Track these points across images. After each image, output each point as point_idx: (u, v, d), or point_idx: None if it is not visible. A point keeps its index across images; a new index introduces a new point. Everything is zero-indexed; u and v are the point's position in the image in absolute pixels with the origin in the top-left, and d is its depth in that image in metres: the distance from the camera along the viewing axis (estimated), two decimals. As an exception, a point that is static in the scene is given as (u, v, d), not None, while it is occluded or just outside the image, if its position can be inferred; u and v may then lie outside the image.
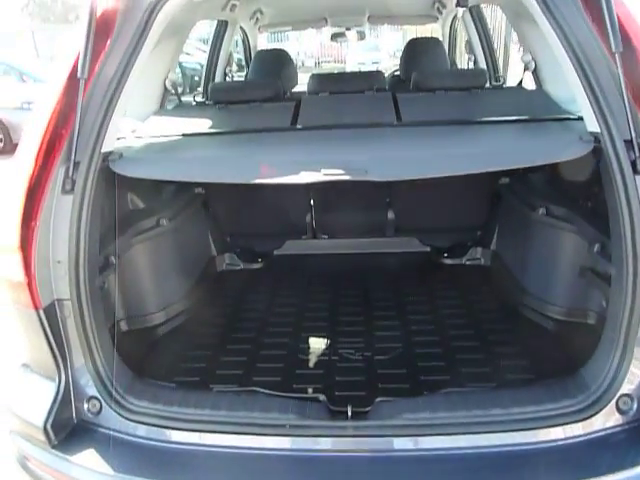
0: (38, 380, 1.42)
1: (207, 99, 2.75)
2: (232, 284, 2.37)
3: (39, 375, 1.42)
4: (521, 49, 2.51)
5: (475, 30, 3.16)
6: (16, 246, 1.26)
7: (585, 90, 1.28)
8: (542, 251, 1.87)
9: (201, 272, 2.24)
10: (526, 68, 2.12)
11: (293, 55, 3.94)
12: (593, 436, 1.24)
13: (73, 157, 1.32)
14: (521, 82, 2.44)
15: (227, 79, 3.37)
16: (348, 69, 19.42)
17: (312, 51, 25.20)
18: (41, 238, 1.30)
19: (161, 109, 2.22)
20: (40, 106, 1.35)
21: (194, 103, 2.65)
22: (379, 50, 19.82)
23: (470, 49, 3.27)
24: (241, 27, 3.49)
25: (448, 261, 2.45)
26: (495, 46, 4.03)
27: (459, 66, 4.12)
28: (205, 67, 3.22)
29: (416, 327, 1.86)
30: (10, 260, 1.28)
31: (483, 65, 3.18)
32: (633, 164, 1.22)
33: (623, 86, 1.23)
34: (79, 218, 1.31)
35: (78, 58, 1.32)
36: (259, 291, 2.28)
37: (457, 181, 1.94)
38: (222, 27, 3.11)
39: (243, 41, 3.80)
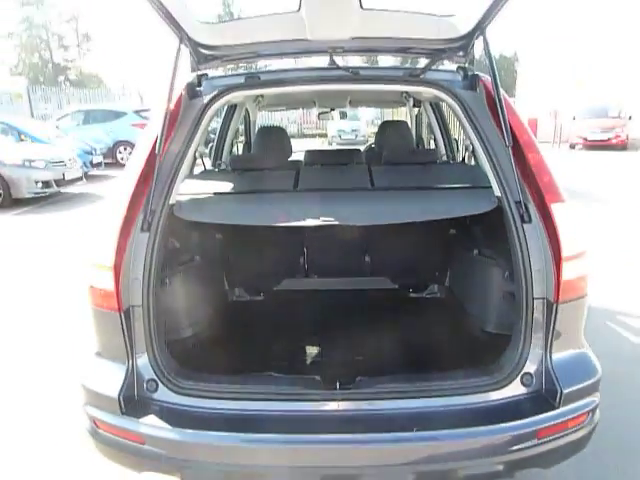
0: (111, 365, 1.84)
1: (227, 167, 3.42)
2: (241, 311, 2.93)
3: (112, 361, 1.85)
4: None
5: (434, 116, 3.97)
6: (111, 266, 1.77)
7: (492, 168, 1.90)
8: (478, 282, 2.49)
9: (217, 301, 2.80)
10: (466, 149, 2.84)
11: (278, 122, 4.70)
12: (505, 400, 1.77)
13: (150, 206, 1.85)
14: (464, 159, 3.18)
15: (233, 149, 4.09)
16: (329, 135, 20.62)
17: (295, 118, 26.53)
18: (126, 261, 1.81)
19: (190, 174, 2.85)
20: (129, 171, 1.91)
21: (217, 170, 3.31)
22: (359, 119, 20.86)
23: (431, 130, 4.07)
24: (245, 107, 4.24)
25: (412, 295, 3.07)
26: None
27: (426, 141, 4.93)
28: (216, 139, 3.91)
29: (387, 338, 2.43)
30: (106, 276, 1.78)
31: (441, 142, 3.98)
32: (521, 217, 1.79)
33: (514, 167, 1.84)
34: (152, 249, 1.82)
35: (156, 140, 1.93)
36: (263, 316, 2.84)
37: (418, 232, 2.60)
38: (232, 108, 3.84)
39: (244, 117, 4.53)
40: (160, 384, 1.83)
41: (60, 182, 9.74)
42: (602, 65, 20.52)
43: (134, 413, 1.77)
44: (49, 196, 9.66)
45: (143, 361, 1.84)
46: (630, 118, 18.43)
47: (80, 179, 10.43)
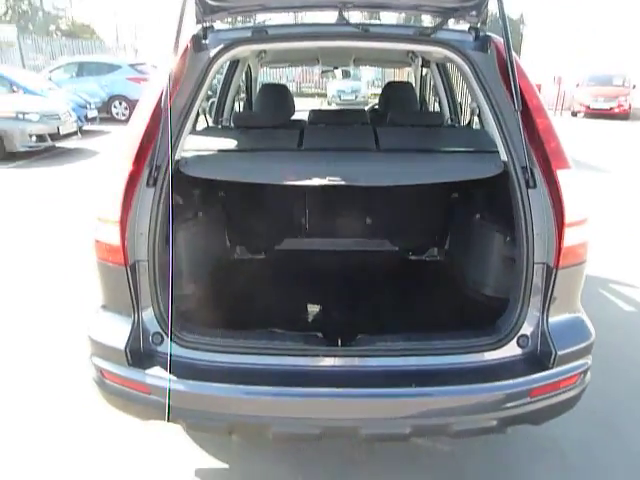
0: (117, 318, 1.87)
1: (229, 124, 3.38)
2: (243, 269, 2.96)
3: (118, 314, 1.87)
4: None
5: (440, 79, 3.90)
6: (117, 220, 1.77)
7: (499, 133, 1.88)
8: (478, 246, 2.52)
9: (219, 258, 2.82)
10: (472, 113, 2.81)
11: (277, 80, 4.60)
12: (501, 360, 1.83)
13: (155, 162, 1.82)
14: (470, 122, 3.15)
15: (236, 105, 4.02)
16: (329, 95, 20.19)
17: (294, 76, 25.92)
18: (131, 216, 1.81)
19: (194, 130, 2.81)
20: (134, 125, 1.89)
21: (219, 127, 3.26)
22: (359, 79, 20.37)
23: (436, 93, 4.01)
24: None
25: (412, 258, 3.11)
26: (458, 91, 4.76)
27: (429, 104, 4.86)
28: (218, 95, 3.84)
29: (387, 299, 2.48)
30: (112, 230, 1.78)
31: (445, 106, 3.93)
32: (527, 182, 1.80)
33: (522, 132, 1.83)
34: (158, 204, 1.81)
35: (161, 93, 1.89)
36: (265, 274, 2.87)
37: (419, 195, 2.60)
38: (234, 64, 3.75)
39: (246, 73, 4.43)
40: (165, 337, 1.86)
41: (55, 136, 9.52)
42: (606, 32, 20.04)
43: (140, 364, 1.82)
44: (44, 150, 9.50)
45: (148, 315, 1.87)
46: (634, 87, 18.17)
47: (75, 134, 10.21)
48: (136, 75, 14.31)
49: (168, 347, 1.86)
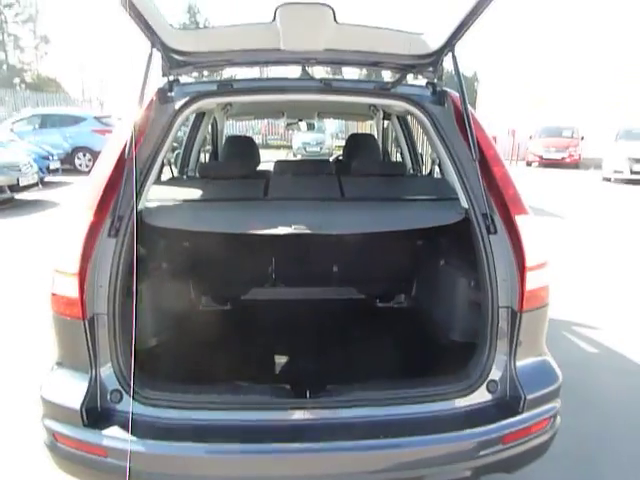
0: (73, 375, 1.77)
1: (194, 174, 3.38)
2: (208, 321, 2.87)
3: (74, 371, 1.78)
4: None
5: (401, 130, 4.06)
6: (76, 272, 1.71)
7: (459, 181, 1.95)
8: (444, 292, 2.54)
9: (183, 309, 2.74)
10: (433, 162, 2.92)
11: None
12: (471, 407, 1.80)
13: (117, 212, 1.79)
14: (431, 172, 3.26)
15: (202, 156, 4.05)
16: (294, 147, 20.65)
17: (260, 128, 26.48)
18: (91, 268, 1.74)
19: (158, 180, 2.79)
20: (96, 175, 1.87)
21: (185, 177, 3.26)
22: (323, 132, 20.97)
23: (397, 144, 4.16)
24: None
25: (380, 305, 3.11)
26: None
27: (391, 155, 5.03)
28: (184, 146, 3.86)
29: (355, 348, 2.45)
30: (70, 283, 1.72)
31: (407, 156, 4.07)
32: (487, 228, 1.85)
33: (480, 180, 1.91)
34: (119, 255, 1.76)
35: (125, 144, 1.88)
36: (231, 325, 2.80)
37: (385, 243, 2.64)
38: (200, 116, 3.80)
39: (212, 125, 4.49)
40: (124, 394, 1.77)
41: (14, 187, 9.34)
42: (557, 86, 21.50)
43: (96, 425, 1.71)
44: (2, 202, 9.24)
45: (107, 371, 1.79)
46: (582, 138, 19.40)
47: (36, 185, 10.02)
48: (101, 127, 14.31)
49: (127, 405, 1.76)
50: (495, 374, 1.85)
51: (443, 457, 1.73)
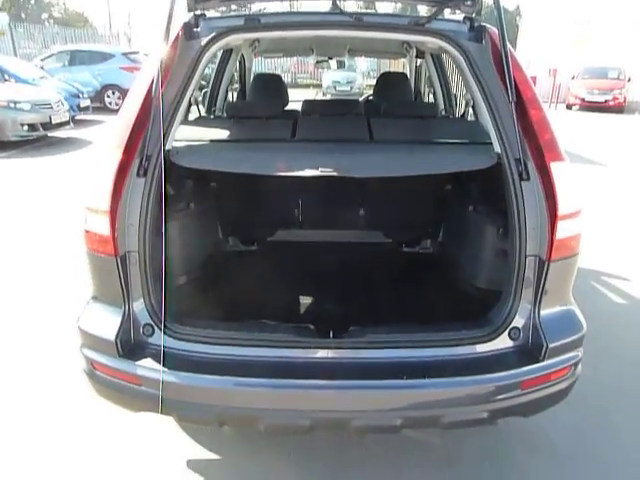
0: (108, 309, 1.86)
1: (222, 114, 3.34)
2: (235, 260, 2.94)
3: (109, 305, 1.86)
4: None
5: (434, 70, 3.88)
6: (107, 211, 1.75)
7: (493, 124, 1.87)
8: (471, 239, 2.52)
9: (211, 250, 2.80)
10: (467, 104, 2.80)
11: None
12: (492, 352, 1.83)
13: (146, 152, 1.80)
14: (464, 114, 3.14)
15: (229, 95, 3.99)
16: (324, 86, 20.09)
17: (289, 66, 25.75)
18: (122, 207, 1.79)
19: (186, 120, 2.78)
20: (124, 114, 1.86)
21: (212, 117, 3.23)
22: (355, 70, 20.29)
23: (430, 84, 3.99)
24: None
25: (406, 249, 3.10)
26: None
27: (424, 96, 4.84)
28: (211, 85, 3.80)
29: (379, 291, 2.48)
30: (102, 220, 1.76)
31: (440, 97, 3.91)
32: (520, 174, 1.79)
33: (515, 123, 1.82)
34: (149, 195, 1.80)
35: (152, 83, 1.86)
36: (257, 266, 2.86)
37: (413, 187, 2.59)
38: (228, 53, 3.71)
39: (240, 62, 4.40)
40: (156, 329, 1.85)
41: (47, 125, 9.44)
42: (603, 24, 20.01)
43: (131, 356, 1.81)
44: (35, 140, 9.40)
45: (139, 306, 1.86)
46: (629, 80, 18.18)
47: (67, 123, 10.10)
48: (129, 64, 14.14)
49: (159, 339, 1.84)
50: (518, 322, 1.85)
51: (461, 399, 1.77)
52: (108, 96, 14.27)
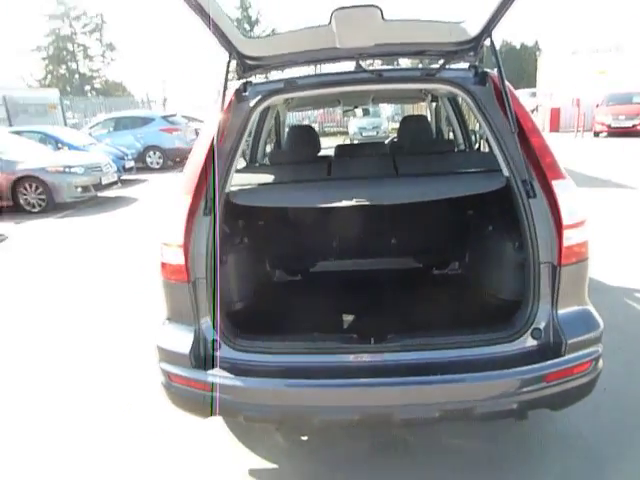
0: (181, 327, 2.17)
1: (264, 161, 3.79)
2: (283, 289, 3.29)
3: (182, 324, 2.18)
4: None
5: (451, 109, 4.27)
6: (181, 244, 2.12)
7: (500, 152, 2.20)
8: (493, 255, 2.78)
9: (261, 280, 3.16)
10: (481, 137, 3.12)
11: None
12: (517, 350, 2.07)
13: (211, 195, 2.19)
14: (479, 146, 3.47)
15: (267, 146, 4.47)
16: (350, 132, 20.80)
17: (316, 117, 26.78)
18: (192, 241, 2.14)
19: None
20: (191, 166, 2.27)
21: (257, 164, 3.69)
22: (379, 116, 20.85)
23: (449, 122, 4.38)
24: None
25: (436, 272, 3.39)
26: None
27: (445, 133, 5.21)
28: (252, 138, 4.28)
29: (413, 305, 2.74)
30: (177, 253, 2.13)
31: (459, 133, 4.27)
32: (527, 193, 2.09)
33: (519, 150, 2.15)
34: (213, 230, 2.17)
35: (212, 139, 2.27)
36: (303, 292, 3.19)
37: (439, 215, 2.90)
38: (266, 110, 4.19)
39: (275, 117, 4.89)
40: (222, 343, 2.18)
41: (97, 186, 10.29)
42: (625, 51, 20.22)
43: (202, 367, 2.12)
44: (88, 200, 10.22)
45: (207, 325, 2.19)
46: (655, 104, 18.16)
47: (115, 183, 10.97)
48: (168, 126, 15.29)
49: (225, 352, 2.17)
50: (539, 323, 2.09)
51: (491, 391, 2.00)
52: (149, 156, 15.34)
